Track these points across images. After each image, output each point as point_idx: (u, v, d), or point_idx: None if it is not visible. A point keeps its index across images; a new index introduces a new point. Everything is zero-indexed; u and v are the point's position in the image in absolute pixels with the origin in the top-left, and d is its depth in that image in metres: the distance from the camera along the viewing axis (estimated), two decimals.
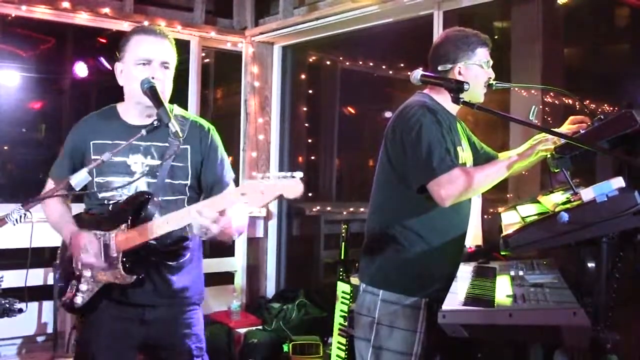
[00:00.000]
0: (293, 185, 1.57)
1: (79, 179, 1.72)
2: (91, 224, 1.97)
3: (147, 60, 1.93)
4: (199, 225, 1.76)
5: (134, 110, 2.00)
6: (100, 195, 1.98)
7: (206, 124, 2.11)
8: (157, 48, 1.95)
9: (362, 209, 4.47)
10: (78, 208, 2.14)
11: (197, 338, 2.07)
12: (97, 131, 2.02)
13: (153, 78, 1.91)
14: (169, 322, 2.03)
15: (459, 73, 2.07)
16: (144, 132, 1.78)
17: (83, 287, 1.96)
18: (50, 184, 2.08)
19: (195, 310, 2.10)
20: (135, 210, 1.92)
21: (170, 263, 2.01)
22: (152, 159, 1.98)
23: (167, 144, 1.98)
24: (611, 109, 2.93)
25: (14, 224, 1.67)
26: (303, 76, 5.08)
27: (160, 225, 1.83)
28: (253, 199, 1.61)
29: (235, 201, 1.67)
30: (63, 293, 2.01)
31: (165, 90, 1.97)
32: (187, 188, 2.03)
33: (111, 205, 1.98)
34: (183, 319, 2.05)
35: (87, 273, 1.95)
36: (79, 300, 1.96)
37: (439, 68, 2.08)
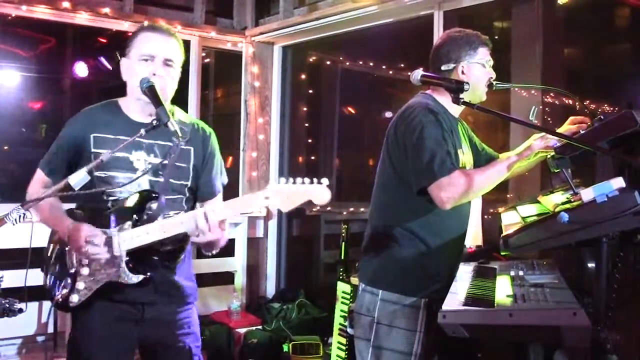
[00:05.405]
0: (320, 192, 1.59)
1: (78, 178, 1.66)
2: (87, 219, 1.89)
3: (151, 56, 1.92)
4: (195, 226, 1.76)
5: (135, 106, 1.98)
6: (100, 190, 1.93)
7: (207, 128, 2.11)
8: (161, 45, 1.93)
9: (362, 209, 4.46)
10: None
11: (195, 337, 2.07)
12: (99, 124, 1.97)
13: (155, 74, 1.89)
14: (168, 320, 2.02)
15: (462, 72, 2.07)
16: (143, 131, 1.75)
17: (80, 285, 1.88)
18: (39, 175, 2.01)
19: (191, 309, 2.09)
20: (139, 208, 1.88)
21: (168, 263, 2.00)
22: (154, 157, 1.96)
23: (170, 143, 1.95)
24: (611, 109, 2.92)
25: (14, 224, 1.66)
26: (303, 76, 5.08)
27: (173, 225, 1.81)
28: (279, 203, 1.61)
29: (258, 204, 1.66)
30: (53, 291, 1.94)
31: (168, 88, 1.95)
32: (186, 188, 2.03)
33: (111, 202, 1.93)
34: (181, 317, 2.04)
35: (85, 271, 1.87)
36: (74, 298, 1.88)
37: (442, 67, 2.09)
